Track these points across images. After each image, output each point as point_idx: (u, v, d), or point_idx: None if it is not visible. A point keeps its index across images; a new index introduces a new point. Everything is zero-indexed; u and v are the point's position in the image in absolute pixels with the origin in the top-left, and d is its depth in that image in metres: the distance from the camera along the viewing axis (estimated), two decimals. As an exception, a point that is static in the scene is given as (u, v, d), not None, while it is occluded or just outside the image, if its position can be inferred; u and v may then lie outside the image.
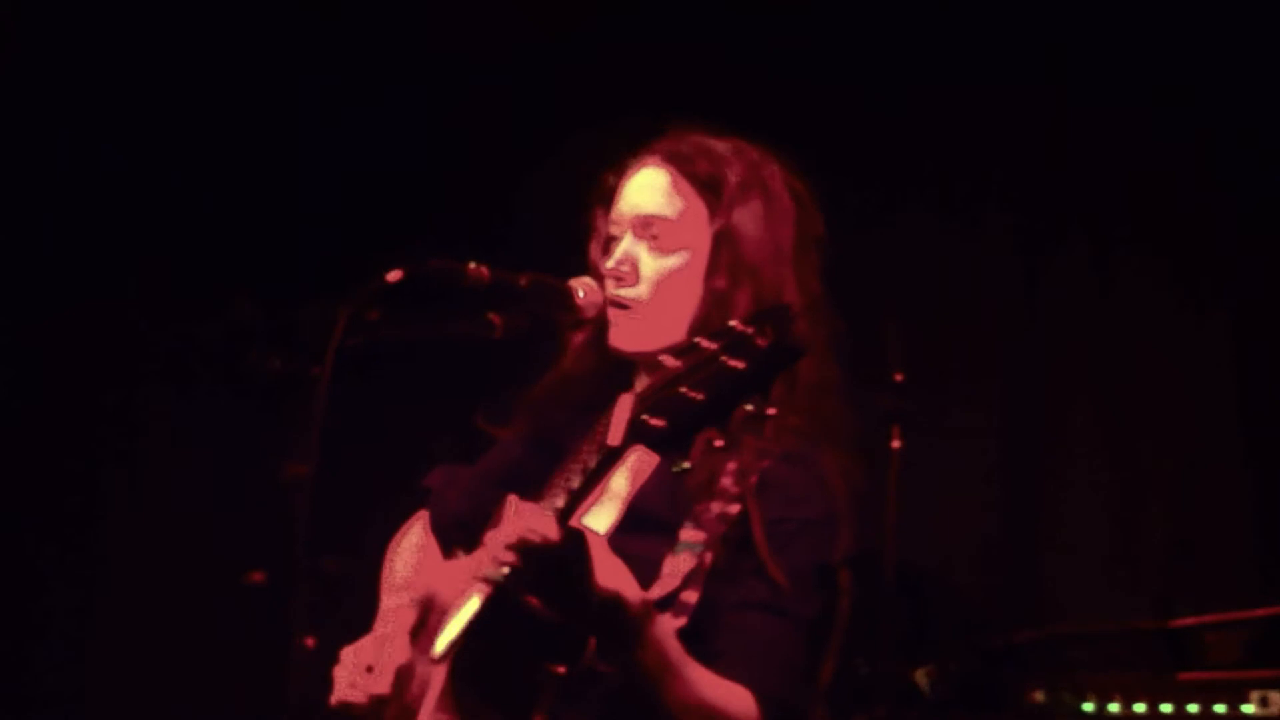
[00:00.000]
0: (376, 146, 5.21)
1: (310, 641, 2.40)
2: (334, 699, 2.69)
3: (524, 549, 2.22)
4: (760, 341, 2.06)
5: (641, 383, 2.71)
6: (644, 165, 2.74)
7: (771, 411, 2.13)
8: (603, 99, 4.74)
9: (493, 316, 2.64)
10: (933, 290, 4.71)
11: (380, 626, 2.80)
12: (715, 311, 2.62)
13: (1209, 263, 4.48)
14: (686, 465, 2.15)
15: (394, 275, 2.51)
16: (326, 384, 2.45)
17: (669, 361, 2.12)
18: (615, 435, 2.16)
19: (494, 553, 2.28)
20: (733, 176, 2.70)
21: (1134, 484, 4.47)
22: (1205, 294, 4.48)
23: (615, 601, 2.26)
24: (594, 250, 2.81)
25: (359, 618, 2.86)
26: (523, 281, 2.63)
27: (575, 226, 2.86)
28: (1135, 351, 4.54)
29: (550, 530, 2.22)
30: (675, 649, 2.35)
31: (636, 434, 2.14)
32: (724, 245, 2.67)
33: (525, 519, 2.23)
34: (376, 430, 4.62)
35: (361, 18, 5.21)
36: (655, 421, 2.10)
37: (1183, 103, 4.52)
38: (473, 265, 2.58)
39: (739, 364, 2.06)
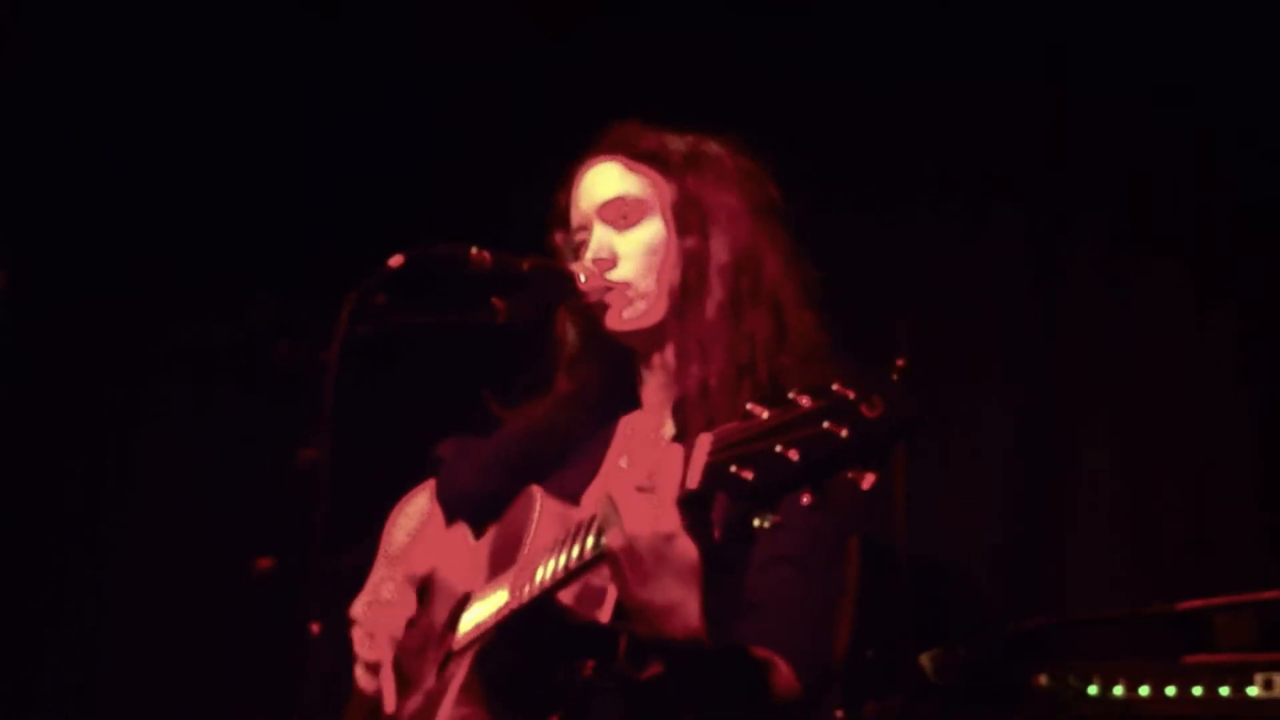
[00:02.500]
0: (376, 146, 5.21)
1: (315, 628, 2.40)
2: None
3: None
4: (866, 411, 1.94)
5: (649, 374, 2.74)
6: (589, 167, 2.83)
7: (868, 485, 2.00)
8: (603, 99, 4.72)
9: (496, 301, 2.65)
10: (937, 291, 4.70)
11: (373, 594, 2.81)
12: (694, 271, 2.68)
13: (1212, 260, 4.47)
14: (777, 519, 2.04)
15: (396, 260, 2.53)
16: (335, 370, 2.45)
17: (757, 411, 2.02)
18: (694, 477, 2.06)
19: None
20: (675, 146, 2.80)
21: (1144, 480, 4.45)
22: (1209, 291, 4.47)
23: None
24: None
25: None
26: (525, 265, 2.65)
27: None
28: (1141, 348, 4.53)
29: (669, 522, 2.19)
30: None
31: (718, 480, 2.04)
32: (685, 207, 2.73)
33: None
34: (382, 420, 4.61)
35: (361, 18, 5.20)
36: (744, 473, 2.00)
37: (1183, 103, 4.52)
38: (475, 249, 2.60)
39: (841, 432, 1.94)
